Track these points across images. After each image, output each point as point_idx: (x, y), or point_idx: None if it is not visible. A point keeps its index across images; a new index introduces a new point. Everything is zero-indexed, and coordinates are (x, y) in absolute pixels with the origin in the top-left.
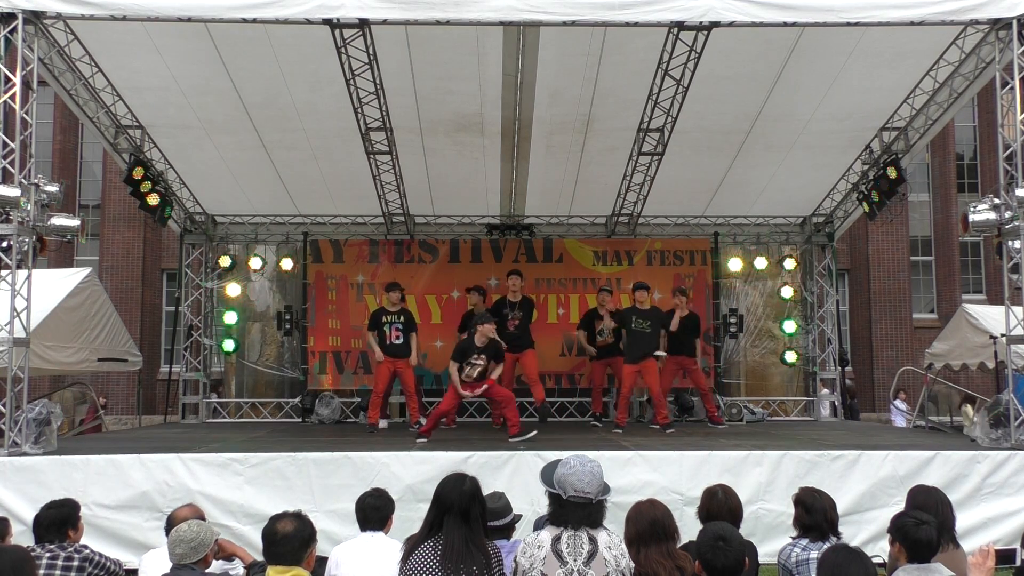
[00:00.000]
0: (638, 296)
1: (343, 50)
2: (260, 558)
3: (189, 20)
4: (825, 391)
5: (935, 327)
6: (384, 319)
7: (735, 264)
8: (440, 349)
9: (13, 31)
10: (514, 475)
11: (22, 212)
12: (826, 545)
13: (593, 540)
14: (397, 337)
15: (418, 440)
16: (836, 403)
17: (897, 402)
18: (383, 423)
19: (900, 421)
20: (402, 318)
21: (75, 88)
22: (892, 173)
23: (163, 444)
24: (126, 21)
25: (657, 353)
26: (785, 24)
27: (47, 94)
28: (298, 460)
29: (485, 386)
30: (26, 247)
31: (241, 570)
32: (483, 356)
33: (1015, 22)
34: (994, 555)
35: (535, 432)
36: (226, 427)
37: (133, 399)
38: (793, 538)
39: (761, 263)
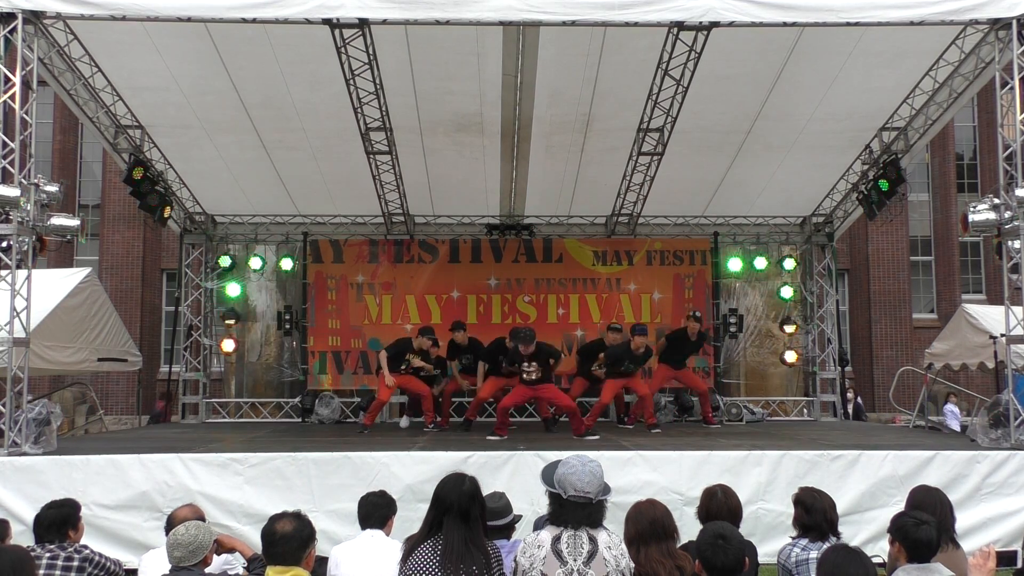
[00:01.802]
0: (636, 341)
1: (343, 50)
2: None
3: (189, 20)
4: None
5: (935, 327)
6: (407, 359)
7: (735, 264)
8: (439, 349)
9: (13, 31)
10: (514, 475)
11: (22, 212)
12: (826, 545)
13: (593, 540)
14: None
15: (490, 437)
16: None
17: (950, 405)
18: (404, 422)
19: (955, 424)
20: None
21: (75, 88)
22: (892, 173)
23: (163, 444)
24: (126, 21)
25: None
26: (785, 24)
27: (47, 94)
28: (298, 460)
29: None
30: (26, 247)
31: (241, 569)
32: (534, 363)
33: (1015, 22)
34: (995, 556)
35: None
36: (226, 427)
37: (133, 399)
38: (793, 538)
39: (761, 263)
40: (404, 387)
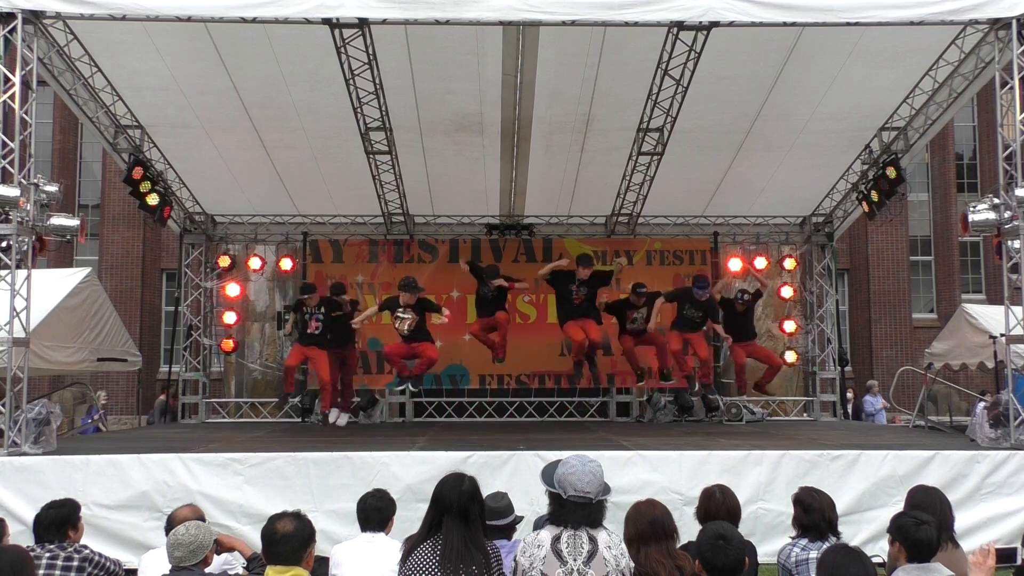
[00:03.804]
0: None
1: (343, 50)
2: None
3: (189, 20)
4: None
5: (935, 327)
6: (304, 310)
7: (735, 264)
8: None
9: (13, 31)
10: (513, 475)
11: (21, 212)
12: (825, 545)
13: (593, 540)
14: (316, 328)
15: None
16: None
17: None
18: (334, 415)
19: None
20: (322, 309)
21: (75, 88)
22: (891, 173)
23: (163, 444)
24: (125, 21)
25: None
26: (785, 24)
27: (47, 94)
28: (298, 460)
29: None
30: (26, 247)
31: (240, 569)
32: (409, 309)
33: (1014, 22)
34: (995, 554)
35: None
36: (226, 427)
37: (133, 399)
38: (792, 538)
39: (761, 263)
40: (312, 365)
